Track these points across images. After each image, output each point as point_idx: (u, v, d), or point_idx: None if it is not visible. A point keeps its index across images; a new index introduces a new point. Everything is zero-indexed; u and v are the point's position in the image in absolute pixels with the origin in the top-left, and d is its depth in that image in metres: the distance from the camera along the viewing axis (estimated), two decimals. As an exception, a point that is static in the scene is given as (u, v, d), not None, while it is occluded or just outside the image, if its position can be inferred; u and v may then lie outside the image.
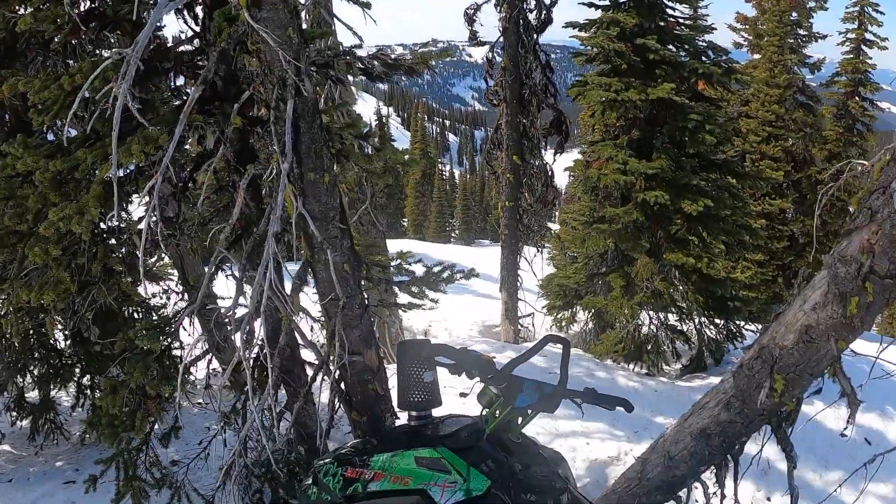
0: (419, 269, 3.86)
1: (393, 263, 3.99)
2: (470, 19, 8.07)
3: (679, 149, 6.92)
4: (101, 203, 2.79)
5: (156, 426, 3.37)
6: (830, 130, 16.48)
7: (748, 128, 14.45)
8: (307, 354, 3.77)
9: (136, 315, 4.77)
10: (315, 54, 2.79)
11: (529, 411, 2.33)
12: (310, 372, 3.58)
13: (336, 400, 3.25)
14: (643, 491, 3.10)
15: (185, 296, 4.81)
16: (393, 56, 2.95)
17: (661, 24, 7.10)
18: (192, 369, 3.13)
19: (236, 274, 3.87)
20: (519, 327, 9.14)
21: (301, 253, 2.97)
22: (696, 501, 3.32)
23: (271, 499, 3.65)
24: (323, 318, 4.00)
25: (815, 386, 2.66)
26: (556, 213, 10.20)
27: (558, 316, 8.92)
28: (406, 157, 3.21)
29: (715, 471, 3.02)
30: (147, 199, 2.49)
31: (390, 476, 2.16)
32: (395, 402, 3.22)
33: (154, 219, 2.35)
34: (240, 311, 3.07)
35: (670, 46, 7.16)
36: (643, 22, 6.85)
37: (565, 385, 2.39)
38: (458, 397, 2.44)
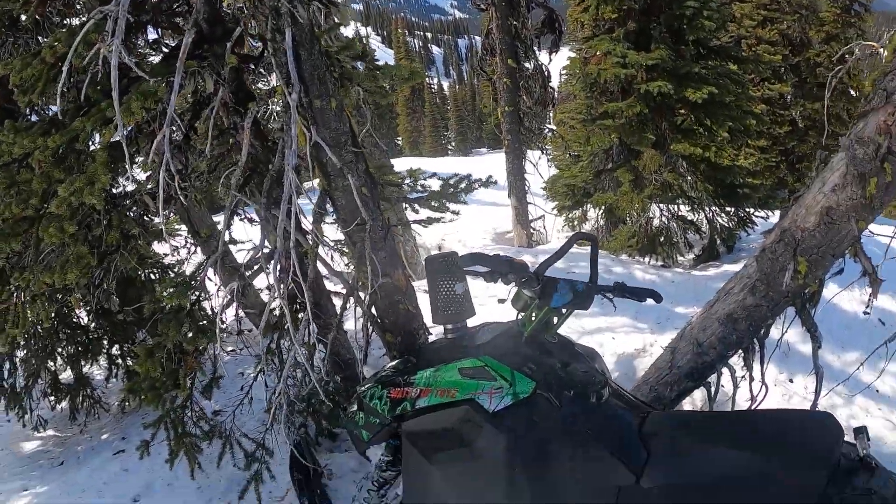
0: (435, 184, 3.87)
1: (406, 181, 3.99)
2: None
3: (677, 38, 6.70)
4: (110, 169, 2.76)
5: (196, 380, 3.40)
6: (827, 12, 15.85)
7: (742, 12, 13.94)
8: (330, 286, 3.84)
9: (152, 277, 4.81)
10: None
11: (564, 310, 2.37)
12: (337, 302, 3.64)
13: (369, 324, 3.31)
14: (674, 379, 3.20)
15: (198, 249, 4.79)
16: None
17: None
18: (222, 317, 3.16)
19: (252, 217, 3.89)
20: (531, 231, 9.20)
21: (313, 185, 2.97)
22: (724, 386, 3.44)
23: (316, 430, 3.78)
24: (345, 247, 4.06)
25: (838, 266, 2.71)
26: (551, 115, 9.99)
27: (569, 216, 8.95)
28: (409, 71, 3.13)
29: (742, 354, 3.11)
30: (153, 156, 2.46)
31: (437, 390, 2.22)
32: (426, 319, 3.31)
33: (164, 174, 2.31)
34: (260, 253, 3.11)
35: None
36: None
37: (596, 281, 2.44)
38: (489, 306, 2.48)
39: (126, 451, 4.16)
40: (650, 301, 2.51)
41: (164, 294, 3.10)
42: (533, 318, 2.33)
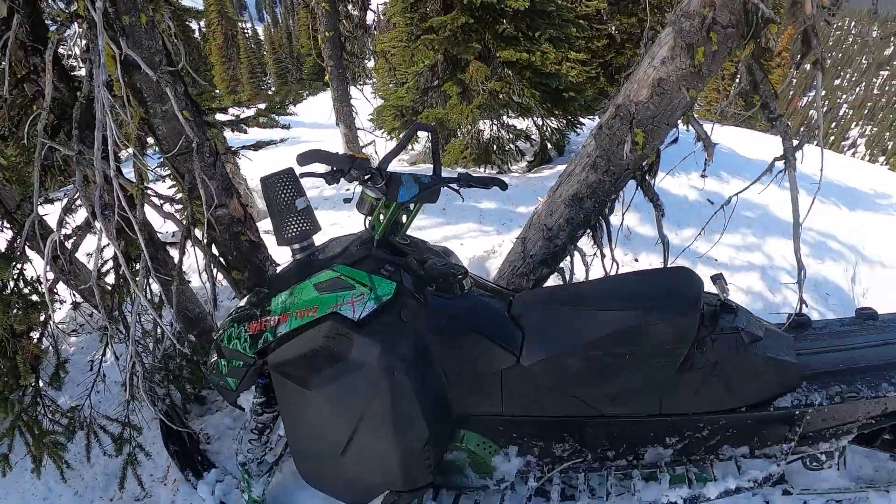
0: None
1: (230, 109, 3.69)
2: None
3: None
4: None
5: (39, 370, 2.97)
6: None
7: None
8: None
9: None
10: None
11: (412, 206, 2.33)
12: (173, 253, 3.34)
13: (212, 265, 3.05)
14: (529, 268, 3.29)
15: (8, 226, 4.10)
16: None
17: None
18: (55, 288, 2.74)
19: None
20: (362, 157, 9.04)
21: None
22: (574, 273, 3.62)
23: (182, 398, 3.49)
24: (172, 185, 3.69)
25: (672, 135, 2.87)
26: (372, 45, 9.81)
27: (399, 137, 8.89)
28: None
29: (591, 234, 3.26)
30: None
31: (295, 312, 2.10)
32: (270, 248, 3.12)
33: None
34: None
35: None
36: None
37: (440, 174, 2.40)
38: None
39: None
40: (496, 189, 2.55)
41: None
42: (381, 219, 2.26)
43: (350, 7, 8.47)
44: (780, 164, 2.66)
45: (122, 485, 3.04)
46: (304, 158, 2.16)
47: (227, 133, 3.73)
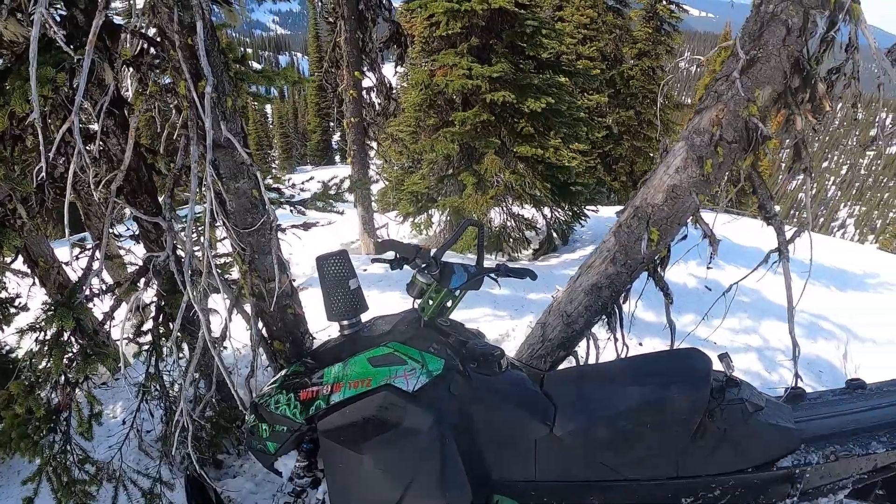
0: (313, 186, 3.94)
1: (283, 188, 4.01)
2: None
3: (516, 53, 7.34)
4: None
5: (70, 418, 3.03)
6: (640, 31, 17.96)
7: (564, 31, 15.41)
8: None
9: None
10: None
11: (458, 293, 2.59)
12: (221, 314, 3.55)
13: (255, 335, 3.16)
14: (547, 351, 3.57)
15: (37, 280, 4.21)
16: None
17: None
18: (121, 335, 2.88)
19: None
20: (378, 239, 9.42)
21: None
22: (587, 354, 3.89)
23: (198, 460, 3.54)
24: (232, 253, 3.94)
25: (682, 233, 3.23)
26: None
27: (415, 221, 9.29)
28: (296, 76, 3.20)
29: (606, 320, 3.56)
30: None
31: (349, 383, 2.29)
32: (311, 323, 3.31)
33: (76, 167, 2.20)
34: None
35: None
36: None
37: (482, 264, 2.70)
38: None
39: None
40: (528, 278, 2.81)
41: (44, 321, 2.76)
42: (430, 302, 2.51)
43: (374, 95, 8.99)
44: (774, 256, 3.03)
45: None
46: (381, 247, 2.48)
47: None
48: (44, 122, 2.14)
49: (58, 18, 2.61)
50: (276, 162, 53.21)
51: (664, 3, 18.08)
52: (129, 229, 3.80)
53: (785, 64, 2.83)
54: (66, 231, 2.16)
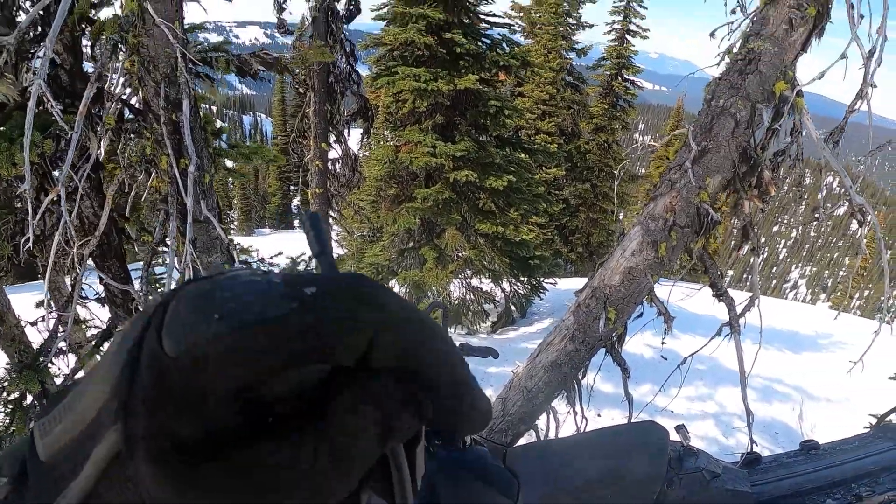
0: (281, 261, 4.00)
1: (251, 260, 4.07)
2: (280, 7, 7.90)
3: (479, 129, 7.66)
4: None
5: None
6: (596, 107, 18.93)
7: (524, 106, 16.13)
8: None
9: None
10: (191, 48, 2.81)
11: None
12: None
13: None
14: (507, 425, 3.64)
15: None
16: (274, 54, 3.04)
17: (466, 20, 7.70)
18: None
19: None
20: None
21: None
22: (546, 427, 3.98)
23: None
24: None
25: (638, 311, 3.40)
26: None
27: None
28: (273, 153, 3.32)
29: (566, 395, 3.66)
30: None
31: None
32: None
33: (61, 236, 2.24)
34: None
35: (474, 40, 7.77)
36: (449, 17, 7.40)
37: None
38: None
39: None
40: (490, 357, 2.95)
41: (6, 381, 2.75)
42: None
43: (339, 166, 9.15)
44: (727, 329, 3.21)
45: None
46: None
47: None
48: (36, 195, 2.19)
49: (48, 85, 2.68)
50: (236, 223, 52.76)
51: (620, 80, 19.14)
52: (91, 288, 3.79)
53: (734, 153, 3.08)
54: (46, 298, 2.18)
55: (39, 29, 2.84)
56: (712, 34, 3.35)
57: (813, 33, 3.01)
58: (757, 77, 3.00)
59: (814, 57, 3.27)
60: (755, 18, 3.09)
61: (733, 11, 3.25)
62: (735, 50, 3.17)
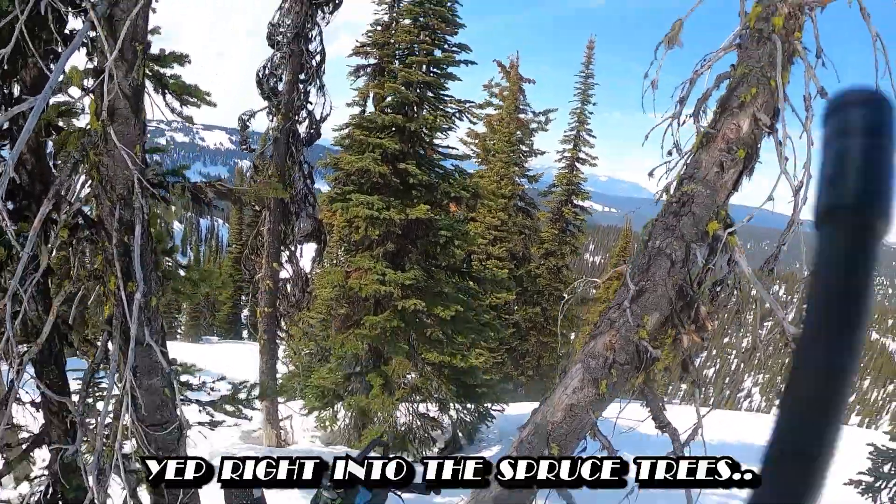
0: (223, 387, 3.93)
1: (193, 381, 3.98)
2: (244, 125, 8.16)
3: (429, 259, 7.85)
4: None
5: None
6: (547, 232, 19.62)
7: (475, 231, 16.57)
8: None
9: None
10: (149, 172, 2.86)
11: None
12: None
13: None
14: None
15: None
16: (228, 186, 3.13)
17: (421, 151, 8.09)
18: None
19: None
20: (279, 430, 9.12)
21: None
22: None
23: None
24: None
25: (582, 446, 3.42)
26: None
27: (320, 415, 9.11)
28: (220, 279, 3.34)
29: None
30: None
31: None
32: None
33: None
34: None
35: (428, 171, 8.13)
36: (405, 147, 7.76)
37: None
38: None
39: None
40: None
41: None
42: None
43: (289, 287, 9.18)
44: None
45: None
46: None
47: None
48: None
49: (10, 208, 2.71)
50: (183, 328, 51.02)
51: (570, 206, 19.97)
52: (27, 392, 3.65)
53: (670, 292, 3.24)
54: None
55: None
56: (650, 174, 3.54)
57: (743, 174, 3.26)
58: (690, 218, 3.21)
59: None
60: (689, 161, 3.33)
61: (669, 153, 3.45)
62: (672, 190, 3.38)
